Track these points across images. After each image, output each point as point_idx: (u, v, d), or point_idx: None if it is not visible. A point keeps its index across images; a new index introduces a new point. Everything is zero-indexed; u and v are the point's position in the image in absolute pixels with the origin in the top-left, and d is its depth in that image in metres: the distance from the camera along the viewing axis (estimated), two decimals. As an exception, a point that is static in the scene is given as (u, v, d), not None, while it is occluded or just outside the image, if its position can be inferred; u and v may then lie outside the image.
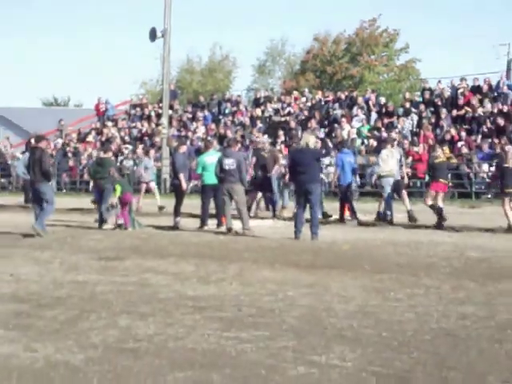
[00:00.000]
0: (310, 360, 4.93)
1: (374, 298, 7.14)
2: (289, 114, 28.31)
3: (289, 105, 29.24)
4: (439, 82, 27.37)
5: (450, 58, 67.99)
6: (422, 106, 25.53)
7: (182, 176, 14.82)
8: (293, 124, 26.54)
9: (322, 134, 24.85)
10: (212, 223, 14.44)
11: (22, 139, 34.25)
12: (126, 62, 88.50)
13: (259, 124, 27.81)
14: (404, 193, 15.77)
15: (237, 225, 13.59)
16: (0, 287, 7.73)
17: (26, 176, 17.29)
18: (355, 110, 26.68)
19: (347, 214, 15.83)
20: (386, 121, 25.50)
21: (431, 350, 5.21)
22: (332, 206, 16.58)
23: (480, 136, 23.14)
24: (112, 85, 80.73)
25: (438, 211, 14.32)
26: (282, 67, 48.83)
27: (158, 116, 29.87)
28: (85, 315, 6.31)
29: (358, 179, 22.12)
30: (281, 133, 25.20)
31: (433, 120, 24.60)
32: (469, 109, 24.34)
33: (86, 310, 6.53)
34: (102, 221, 14.42)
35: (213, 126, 28.85)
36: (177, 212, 14.70)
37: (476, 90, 25.58)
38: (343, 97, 28.49)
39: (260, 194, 17.23)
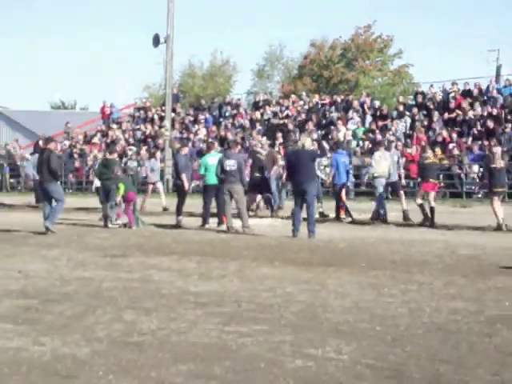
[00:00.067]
0: (307, 353, 4.94)
1: (369, 293, 7.15)
2: (287, 116, 28.31)
3: (287, 108, 29.24)
4: (431, 86, 27.42)
5: (442, 62, 67.94)
6: (415, 109, 25.53)
7: (184, 176, 14.83)
8: (291, 126, 26.52)
9: (316, 136, 24.75)
10: (213, 221, 14.45)
11: (31, 141, 34.19)
12: (130, 67, 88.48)
13: (258, 126, 27.81)
14: (401, 193, 15.81)
15: (237, 223, 13.59)
16: (9, 284, 7.73)
17: (36, 177, 17.31)
18: (351, 112, 26.69)
19: (342, 213, 15.87)
20: (380, 123, 25.52)
21: (423, 343, 5.22)
22: (328, 206, 16.59)
23: (471, 138, 23.15)
24: (117, 89, 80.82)
25: (428, 211, 14.41)
26: (281, 72, 48.87)
27: (161, 119, 29.86)
28: (91, 310, 6.31)
29: (352, 179, 22.12)
30: (279, 135, 25.17)
31: (425, 122, 24.61)
32: (460, 112, 24.36)
33: (92, 305, 6.53)
34: (107, 219, 14.42)
35: (214, 128, 28.84)
36: (179, 211, 14.71)
37: (467, 93, 25.60)
38: (339, 100, 28.48)
39: (259, 197, 17.19)
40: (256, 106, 30.82)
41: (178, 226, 14.40)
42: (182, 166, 14.99)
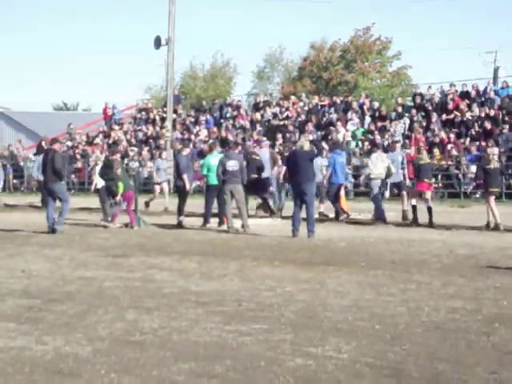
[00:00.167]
0: (307, 352, 4.94)
1: (369, 293, 7.15)
2: (287, 117, 28.30)
3: (287, 109, 29.22)
4: (430, 87, 27.40)
5: (441, 64, 67.98)
6: (414, 111, 25.52)
7: (185, 177, 14.81)
8: (291, 127, 26.51)
9: (313, 137, 24.75)
10: (214, 221, 14.45)
11: (34, 142, 34.21)
12: (132, 69, 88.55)
13: (259, 127, 27.82)
14: (404, 193, 15.80)
15: (237, 223, 13.59)
16: (12, 283, 7.73)
17: (41, 177, 17.32)
18: (350, 114, 26.67)
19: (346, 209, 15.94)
20: (379, 124, 25.52)
21: (422, 342, 5.22)
22: (328, 206, 16.56)
23: (468, 139, 23.16)
24: (119, 90, 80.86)
25: (427, 212, 14.45)
26: (281, 73, 48.85)
27: (163, 120, 29.86)
28: (93, 309, 6.31)
29: (351, 179, 22.10)
30: (279, 136, 25.17)
31: (424, 124, 24.63)
32: (458, 113, 24.38)
33: (94, 304, 6.53)
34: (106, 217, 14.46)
35: (215, 129, 28.83)
36: (180, 211, 14.70)
37: (464, 95, 25.62)
38: (338, 101, 28.47)
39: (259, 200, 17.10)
40: (256, 107, 30.81)
41: (179, 225, 14.39)
42: (183, 167, 14.97)
